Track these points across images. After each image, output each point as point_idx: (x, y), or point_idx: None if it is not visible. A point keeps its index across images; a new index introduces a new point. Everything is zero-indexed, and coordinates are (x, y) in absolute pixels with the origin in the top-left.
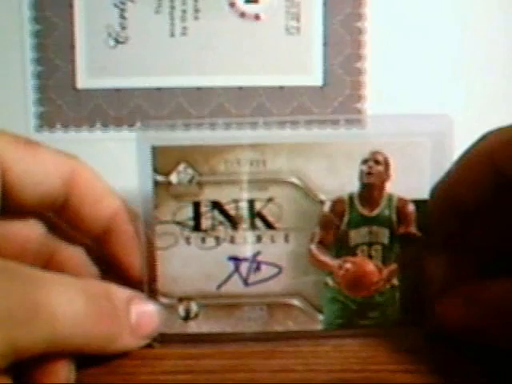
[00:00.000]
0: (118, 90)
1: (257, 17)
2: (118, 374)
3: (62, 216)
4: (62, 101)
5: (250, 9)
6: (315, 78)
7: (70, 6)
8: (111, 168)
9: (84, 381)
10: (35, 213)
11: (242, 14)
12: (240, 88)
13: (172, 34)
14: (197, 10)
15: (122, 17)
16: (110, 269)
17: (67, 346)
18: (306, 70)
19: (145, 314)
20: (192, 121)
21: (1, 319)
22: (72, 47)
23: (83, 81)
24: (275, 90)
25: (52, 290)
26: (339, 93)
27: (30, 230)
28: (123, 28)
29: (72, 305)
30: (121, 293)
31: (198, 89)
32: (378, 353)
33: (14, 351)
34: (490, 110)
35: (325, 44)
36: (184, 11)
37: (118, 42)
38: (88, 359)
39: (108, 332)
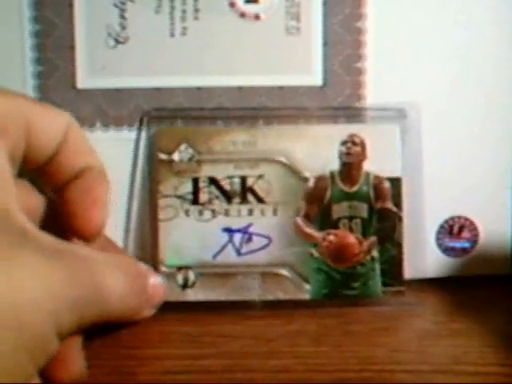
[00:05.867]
0: (118, 90)
1: (257, 17)
2: (118, 374)
3: (41, 168)
4: (62, 101)
5: (250, 9)
6: (315, 78)
7: (70, 5)
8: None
9: (84, 381)
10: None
11: (242, 14)
12: (240, 88)
13: (172, 34)
14: (197, 10)
15: (122, 17)
16: (62, 220)
17: (109, 319)
18: (306, 70)
19: (156, 286)
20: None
21: (78, 304)
22: (72, 47)
23: (83, 81)
24: (275, 89)
25: (105, 271)
26: (339, 93)
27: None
28: (123, 28)
29: (118, 284)
30: (142, 268)
31: (198, 89)
32: (378, 353)
33: (79, 328)
34: (488, 109)
35: (325, 44)
36: (184, 11)
37: (118, 41)
38: (88, 359)
39: (138, 305)
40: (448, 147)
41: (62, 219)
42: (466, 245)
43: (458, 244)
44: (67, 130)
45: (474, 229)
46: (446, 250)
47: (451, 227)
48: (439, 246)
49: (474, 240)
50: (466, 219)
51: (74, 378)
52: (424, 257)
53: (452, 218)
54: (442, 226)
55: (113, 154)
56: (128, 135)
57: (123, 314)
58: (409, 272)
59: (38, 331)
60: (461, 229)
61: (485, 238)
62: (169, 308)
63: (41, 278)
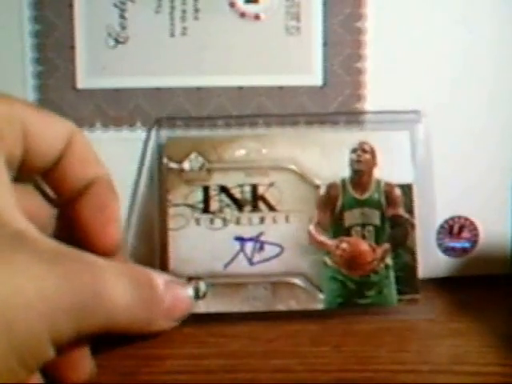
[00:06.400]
0: (117, 90)
1: (257, 17)
2: (118, 374)
3: (46, 175)
4: (62, 101)
5: (250, 9)
6: (315, 78)
7: (70, 5)
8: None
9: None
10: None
11: (242, 14)
12: (240, 88)
13: (172, 34)
14: (197, 10)
15: (122, 17)
16: (77, 235)
17: (115, 329)
18: (306, 69)
19: (178, 298)
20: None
21: (75, 310)
22: (72, 47)
23: (83, 81)
24: (275, 90)
25: (110, 280)
26: (339, 93)
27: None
28: (123, 28)
29: (125, 293)
30: (159, 279)
31: (198, 89)
32: (378, 353)
33: (78, 335)
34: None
35: (325, 44)
36: (184, 11)
37: (118, 41)
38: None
39: (148, 317)
40: (448, 147)
41: (74, 234)
42: (466, 245)
43: (458, 244)
44: (70, 138)
45: (474, 229)
46: (446, 250)
47: (451, 227)
48: (439, 245)
49: (474, 240)
50: (466, 219)
51: (83, 378)
52: (424, 257)
53: (452, 218)
54: (442, 226)
55: (113, 154)
56: (128, 135)
57: (130, 324)
58: None
59: (28, 333)
60: (461, 229)
61: (485, 238)
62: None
63: (34, 281)
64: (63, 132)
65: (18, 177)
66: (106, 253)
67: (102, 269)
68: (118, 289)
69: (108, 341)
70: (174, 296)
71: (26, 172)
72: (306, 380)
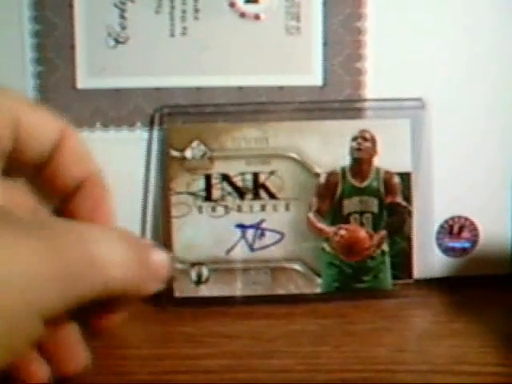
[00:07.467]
0: (117, 90)
1: (257, 17)
2: (118, 374)
3: (39, 172)
4: (62, 101)
5: (250, 9)
6: (315, 78)
7: (70, 5)
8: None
9: (84, 381)
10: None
11: (242, 14)
12: (240, 88)
13: (172, 34)
14: (197, 10)
15: (122, 17)
16: None
17: (113, 291)
18: (306, 69)
19: (160, 260)
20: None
21: (66, 281)
22: (72, 47)
23: (83, 81)
24: (275, 89)
25: (101, 241)
26: (339, 93)
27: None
28: (123, 28)
29: (117, 254)
30: (145, 241)
31: (198, 89)
32: (379, 353)
33: (76, 301)
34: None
35: (325, 44)
36: (184, 11)
37: (117, 41)
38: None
39: (142, 279)
40: (448, 148)
41: None
42: (466, 245)
43: (457, 244)
44: (63, 132)
45: (474, 229)
46: (446, 250)
47: (451, 227)
48: (439, 245)
49: (474, 240)
50: (466, 219)
51: (80, 366)
52: (424, 257)
53: (452, 218)
54: (442, 226)
55: (113, 154)
56: (128, 135)
57: (126, 285)
58: None
59: (10, 309)
60: (461, 229)
61: (485, 238)
62: (184, 304)
63: (18, 256)
64: (55, 125)
65: (10, 169)
66: None
67: (95, 236)
68: (110, 250)
69: (107, 340)
70: (157, 258)
71: (17, 164)
72: (306, 380)
